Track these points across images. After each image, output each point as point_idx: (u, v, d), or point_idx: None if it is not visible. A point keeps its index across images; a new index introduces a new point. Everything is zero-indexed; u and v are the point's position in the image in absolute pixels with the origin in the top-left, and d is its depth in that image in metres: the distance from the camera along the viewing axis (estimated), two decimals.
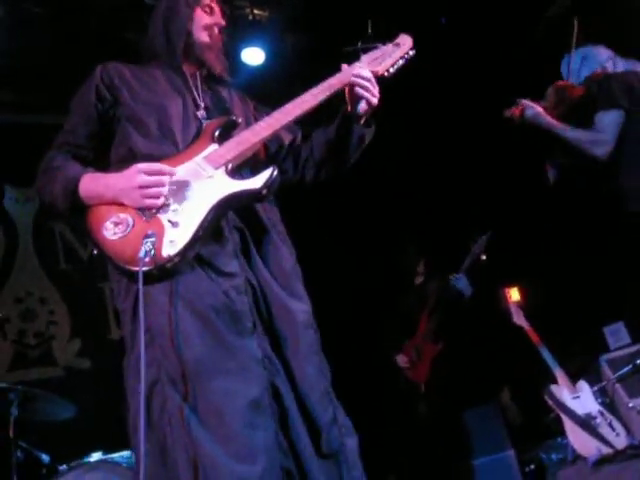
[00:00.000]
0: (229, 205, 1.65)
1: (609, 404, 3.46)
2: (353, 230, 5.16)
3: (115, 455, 3.09)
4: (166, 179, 1.60)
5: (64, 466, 2.98)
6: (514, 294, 4.01)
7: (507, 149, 3.20)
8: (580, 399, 3.44)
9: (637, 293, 2.82)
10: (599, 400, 3.45)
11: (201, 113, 1.84)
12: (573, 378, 3.57)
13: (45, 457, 3.02)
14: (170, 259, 1.50)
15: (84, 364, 4.42)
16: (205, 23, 1.94)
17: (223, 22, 1.97)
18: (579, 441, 3.29)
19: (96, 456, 3.08)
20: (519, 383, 4.48)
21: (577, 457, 3.31)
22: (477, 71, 4.45)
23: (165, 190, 1.59)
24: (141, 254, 1.46)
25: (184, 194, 1.61)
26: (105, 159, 1.80)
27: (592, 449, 3.20)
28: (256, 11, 4.35)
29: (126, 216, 1.57)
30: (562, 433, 3.45)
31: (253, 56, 4.50)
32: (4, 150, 4.24)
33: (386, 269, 5.00)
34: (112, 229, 1.56)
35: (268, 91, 4.31)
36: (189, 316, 1.55)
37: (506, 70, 4.08)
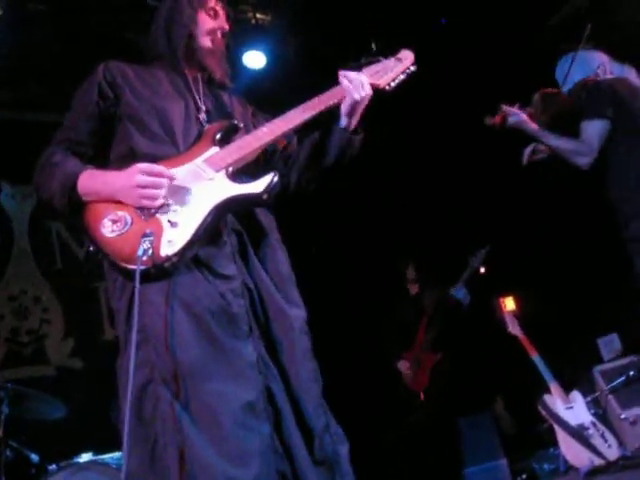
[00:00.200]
0: (229, 208, 1.65)
1: (602, 415, 3.47)
2: (350, 240, 5.17)
3: (105, 456, 3.07)
4: (165, 182, 1.60)
5: (54, 466, 2.96)
6: (509, 303, 4.02)
7: (504, 161, 3.20)
8: (573, 410, 3.44)
9: (631, 304, 2.83)
10: (592, 411, 3.45)
11: (202, 116, 1.84)
12: (566, 388, 3.57)
13: (35, 456, 3.00)
14: (168, 259, 1.50)
15: (77, 364, 4.40)
16: (208, 28, 1.92)
17: (227, 26, 1.96)
18: (571, 452, 3.29)
19: (86, 457, 3.06)
20: (513, 392, 4.48)
21: (569, 468, 3.31)
22: (476, 81, 4.46)
23: (163, 192, 1.59)
24: (139, 252, 1.45)
25: (184, 195, 1.61)
26: (104, 157, 1.80)
27: (584, 460, 3.20)
28: (258, 15, 4.37)
29: (124, 214, 1.57)
30: (555, 443, 3.45)
31: (254, 60, 4.51)
32: (2, 147, 4.23)
33: (383, 278, 5.00)
34: (110, 226, 1.55)
35: (269, 95, 4.31)
36: (185, 318, 1.55)
37: (505, 78, 4.09)
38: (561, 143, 2.85)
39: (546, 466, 3.69)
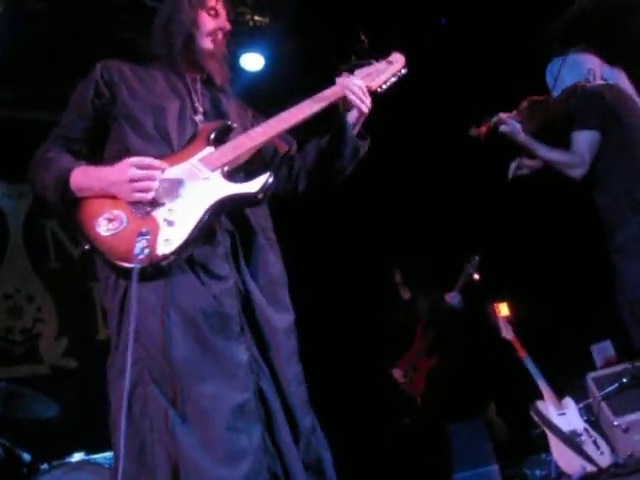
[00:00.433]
0: (224, 207, 1.65)
1: (594, 422, 3.47)
2: (343, 244, 5.17)
3: (97, 456, 3.06)
4: (157, 174, 1.60)
5: (46, 465, 2.96)
6: (503, 309, 4.04)
7: (497, 166, 3.20)
8: (566, 416, 3.45)
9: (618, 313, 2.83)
10: (584, 417, 3.46)
11: (199, 117, 1.84)
12: (559, 395, 3.58)
13: (26, 455, 2.99)
14: (165, 257, 1.51)
15: (70, 363, 4.39)
16: (209, 29, 1.91)
17: (228, 26, 1.95)
18: (563, 458, 3.30)
19: (78, 456, 3.05)
20: (505, 398, 4.49)
21: (561, 474, 3.31)
22: (473, 85, 4.47)
23: (155, 184, 1.59)
24: (136, 251, 1.45)
25: (180, 194, 1.61)
26: (99, 155, 1.80)
27: (576, 466, 3.21)
28: (256, 17, 4.37)
29: (120, 212, 1.57)
30: (547, 449, 3.45)
31: (252, 62, 4.51)
32: None
33: (375, 283, 5.01)
34: (105, 225, 1.55)
35: (267, 97, 4.32)
36: (177, 318, 1.55)
37: (503, 82, 4.10)
38: (553, 155, 2.85)
39: (538, 472, 3.69)
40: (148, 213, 1.57)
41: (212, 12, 1.93)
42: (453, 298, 4.35)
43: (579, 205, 2.97)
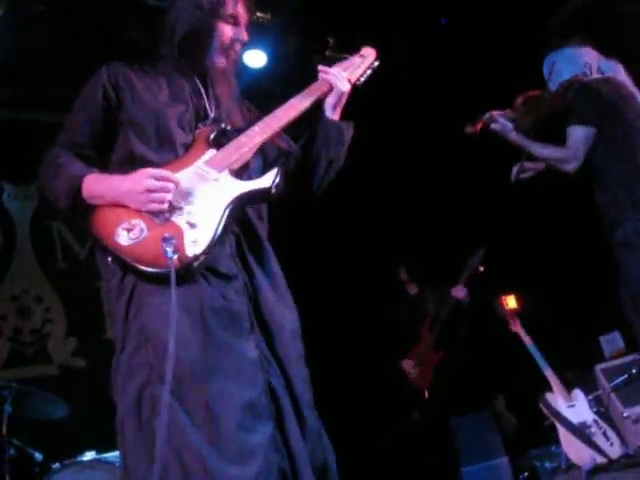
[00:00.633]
0: (241, 204, 1.67)
1: (604, 413, 3.47)
2: (348, 241, 5.17)
3: (108, 455, 3.07)
4: (172, 186, 1.60)
5: (57, 464, 2.98)
6: (511, 302, 4.03)
7: (504, 157, 3.19)
8: (575, 408, 3.44)
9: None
10: (594, 409, 3.46)
11: (209, 119, 1.83)
12: (568, 386, 3.57)
13: (38, 455, 3.01)
14: (196, 258, 1.51)
15: (79, 363, 4.41)
16: (225, 41, 1.84)
17: (246, 37, 1.87)
18: (573, 450, 3.29)
19: (89, 455, 3.06)
20: (514, 390, 4.48)
21: (571, 466, 3.31)
22: (475, 79, 4.46)
23: (170, 196, 1.59)
24: (169, 254, 1.45)
25: (194, 197, 1.62)
26: (106, 158, 1.79)
27: (586, 458, 3.20)
28: (259, 14, 4.36)
29: (138, 221, 1.56)
30: (556, 441, 3.45)
31: (255, 58, 4.51)
32: (3, 147, 4.24)
33: (381, 279, 5.00)
34: (125, 235, 1.54)
35: (269, 93, 4.32)
36: (184, 317, 1.54)
37: (503, 77, 4.08)
38: (546, 152, 2.85)
39: (548, 464, 3.69)
40: (167, 219, 1.57)
41: (231, 20, 1.85)
42: (459, 291, 4.36)
43: (585, 197, 2.96)
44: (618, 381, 3.44)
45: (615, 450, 3.22)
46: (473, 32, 4.37)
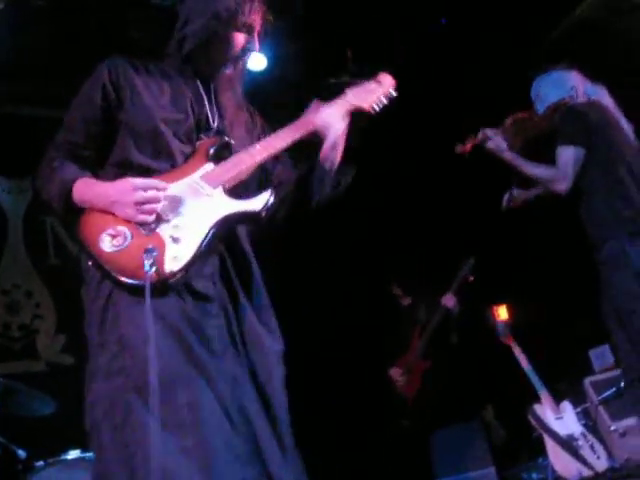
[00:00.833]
0: (228, 225, 1.65)
1: (592, 426, 3.47)
2: (339, 253, 5.16)
3: (92, 454, 3.04)
4: (161, 195, 1.59)
5: (41, 462, 2.94)
6: (502, 312, 4.04)
7: (495, 168, 3.22)
8: (563, 420, 3.45)
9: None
10: (582, 422, 3.46)
11: (214, 127, 1.80)
12: (557, 398, 3.57)
13: (22, 452, 2.98)
14: (173, 275, 1.49)
15: (67, 360, 4.38)
16: (235, 51, 1.80)
17: (257, 47, 1.83)
18: (560, 462, 3.30)
19: (74, 454, 3.03)
20: (503, 401, 4.49)
21: (557, 478, 3.31)
22: (468, 92, 4.47)
23: (159, 207, 1.57)
24: (146, 267, 1.44)
25: (184, 211, 1.61)
26: (104, 159, 1.76)
27: (573, 470, 3.21)
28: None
29: (123, 228, 1.55)
30: (544, 453, 3.45)
31: (255, 62, 4.50)
32: None
33: (374, 290, 5.01)
34: (109, 241, 1.53)
35: (270, 97, 4.31)
36: (160, 328, 1.51)
37: (500, 91, 4.10)
38: (538, 171, 2.92)
39: (535, 476, 3.69)
40: (153, 230, 1.56)
41: (245, 29, 1.80)
42: (448, 300, 4.36)
43: (576, 210, 3.00)
44: (607, 394, 3.46)
45: (602, 463, 3.22)
46: (473, 32, 4.38)
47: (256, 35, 1.84)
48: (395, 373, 4.46)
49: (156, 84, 1.80)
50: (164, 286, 1.50)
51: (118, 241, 1.53)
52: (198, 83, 1.85)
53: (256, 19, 1.82)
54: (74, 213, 1.64)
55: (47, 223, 4.61)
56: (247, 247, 1.80)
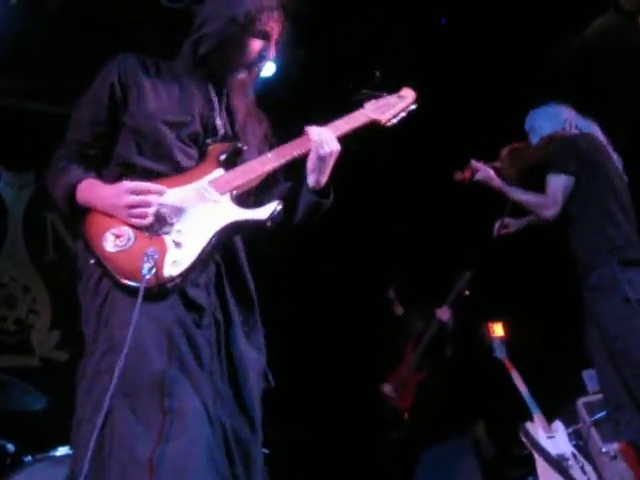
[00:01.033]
0: (232, 232, 1.65)
1: (583, 447, 3.46)
2: (337, 260, 5.16)
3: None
4: (154, 198, 1.58)
5: (29, 457, 2.93)
6: (498, 329, 4.04)
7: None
8: (554, 439, 3.44)
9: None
10: (573, 442, 3.45)
11: (220, 133, 1.80)
12: (549, 418, 3.56)
13: (11, 446, 2.97)
14: (172, 279, 1.49)
15: (61, 356, 4.37)
16: (251, 57, 1.80)
17: (273, 55, 1.83)
18: None
19: (62, 450, 3.02)
20: (495, 417, 4.47)
21: None
22: (470, 109, 4.48)
23: (152, 210, 1.57)
24: (144, 271, 1.44)
25: (189, 215, 1.60)
26: (109, 156, 1.77)
27: None
28: None
29: (127, 229, 1.56)
30: (533, 472, 3.44)
31: (264, 68, 4.51)
32: (2, 135, 4.22)
33: (368, 300, 5.00)
34: (112, 241, 1.54)
35: (278, 103, 4.31)
36: (152, 331, 1.52)
37: (501, 109, 4.12)
38: (526, 198, 3.01)
39: None
40: (156, 233, 1.56)
41: (261, 35, 1.80)
42: (443, 313, 4.35)
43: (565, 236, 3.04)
44: (599, 416, 3.45)
45: None
46: (473, 32, 4.38)
47: (273, 43, 1.84)
48: (388, 388, 4.43)
49: (164, 85, 1.79)
50: (161, 290, 1.50)
51: (121, 241, 1.54)
52: (210, 86, 1.85)
53: (274, 27, 1.82)
54: (80, 213, 1.65)
55: (48, 218, 4.61)
56: (243, 259, 1.80)
